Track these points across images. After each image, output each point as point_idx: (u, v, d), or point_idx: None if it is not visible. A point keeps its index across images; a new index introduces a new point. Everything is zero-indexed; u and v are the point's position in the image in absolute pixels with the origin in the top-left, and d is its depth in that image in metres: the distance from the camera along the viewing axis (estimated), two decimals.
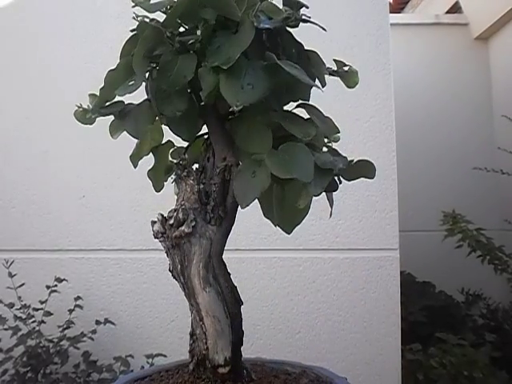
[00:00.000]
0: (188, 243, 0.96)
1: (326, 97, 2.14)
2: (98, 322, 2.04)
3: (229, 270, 1.01)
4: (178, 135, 0.99)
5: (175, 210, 0.96)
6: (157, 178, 1.05)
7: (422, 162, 3.72)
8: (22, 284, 2.00)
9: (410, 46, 3.78)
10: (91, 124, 1.04)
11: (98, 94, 0.99)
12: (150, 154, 1.03)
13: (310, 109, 0.98)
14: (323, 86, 0.96)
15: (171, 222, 0.95)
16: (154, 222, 0.98)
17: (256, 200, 0.91)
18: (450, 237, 3.04)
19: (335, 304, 2.16)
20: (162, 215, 0.97)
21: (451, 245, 3.02)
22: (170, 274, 1.00)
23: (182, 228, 0.95)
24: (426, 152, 3.74)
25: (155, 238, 0.98)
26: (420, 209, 3.64)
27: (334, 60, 1.05)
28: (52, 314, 2.02)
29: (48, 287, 2.03)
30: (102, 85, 0.97)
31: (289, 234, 0.94)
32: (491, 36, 3.75)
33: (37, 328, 2.00)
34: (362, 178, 0.98)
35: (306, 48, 1.00)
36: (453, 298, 3.43)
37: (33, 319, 2.01)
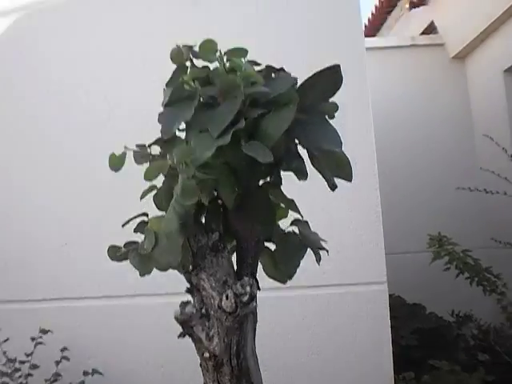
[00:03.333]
0: (246, 320, 0.91)
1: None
2: (85, 373, 2.00)
3: None
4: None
5: (242, 285, 0.88)
6: None
7: (406, 186, 3.73)
8: (7, 339, 1.96)
9: (388, 69, 3.80)
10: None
11: None
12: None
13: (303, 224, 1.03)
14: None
15: (245, 298, 0.87)
16: (220, 299, 0.89)
17: None
18: (437, 259, 3.04)
19: (326, 340, 2.14)
20: (233, 292, 0.88)
21: (439, 266, 3.02)
22: (210, 360, 0.90)
23: (253, 304, 0.89)
24: (409, 176, 3.75)
25: (219, 317, 0.90)
26: (407, 231, 3.64)
27: None
28: (38, 367, 1.98)
29: (33, 339, 1.99)
30: None
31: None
32: (468, 55, 3.78)
33: (24, 382, 1.97)
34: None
35: None
36: (444, 319, 3.43)
37: (19, 373, 1.97)
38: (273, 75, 0.94)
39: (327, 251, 1.04)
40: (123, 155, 0.99)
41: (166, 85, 0.97)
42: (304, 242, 1.02)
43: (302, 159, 0.94)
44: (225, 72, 0.93)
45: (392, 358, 2.14)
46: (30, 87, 2.28)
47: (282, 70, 0.96)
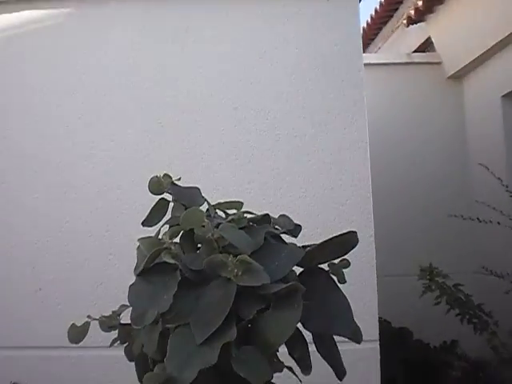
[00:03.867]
0: None
1: (302, 177, 2.06)
2: None
3: None
4: None
5: None
6: None
7: (400, 211, 3.65)
8: None
9: (382, 86, 3.68)
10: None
11: None
12: None
13: None
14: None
15: None
16: None
17: None
18: (427, 292, 2.96)
19: None
20: None
21: (430, 294, 2.94)
22: None
23: None
24: (403, 201, 3.66)
25: None
26: (399, 255, 3.56)
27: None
28: None
29: None
30: None
31: None
32: (465, 76, 3.66)
33: None
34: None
35: None
36: (430, 346, 3.37)
37: None
38: (270, 242, 0.81)
39: None
40: (85, 326, 0.86)
41: (139, 240, 0.84)
42: None
43: (307, 347, 0.80)
44: (215, 245, 0.78)
45: None
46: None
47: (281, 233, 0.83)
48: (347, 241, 0.81)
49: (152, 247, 0.78)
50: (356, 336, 0.78)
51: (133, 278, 0.95)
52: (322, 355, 0.79)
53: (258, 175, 2.03)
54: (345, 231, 0.82)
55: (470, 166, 3.63)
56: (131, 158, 2.09)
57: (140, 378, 0.90)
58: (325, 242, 0.79)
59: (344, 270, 0.89)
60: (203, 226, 0.77)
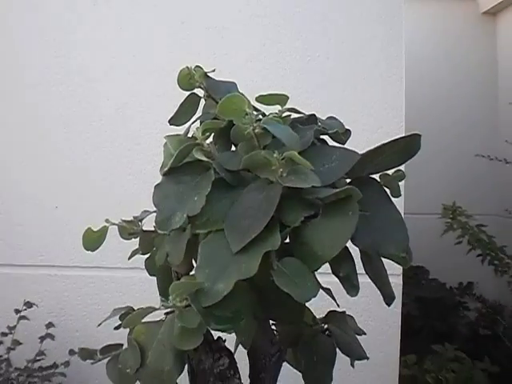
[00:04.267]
0: None
1: (332, 101, 1.96)
2: (71, 352, 1.86)
3: None
4: None
5: None
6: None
7: (426, 148, 3.53)
8: None
9: (414, 21, 3.51)
10: None
11: None
12: None
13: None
14: None
15: None
16: None
17: None
18: (449, 231, 2.89)
19: None
20: None
21: (452, 234, 2.87)
22: None
23: None
24: (429, 137, 3.54)
25: None
26: (422, 192, 3.47)
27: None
28: (21, 344, 1.84)
29: (17, 311, 1.84)
30: None
31: None
32: (500, 11, 3.48)
33: (5, 356, 1.83)
34: None
35: None
36: (446, 286, 3.33)
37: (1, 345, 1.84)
38: (318, 146, 0.71)
39: (367, 358, 0.84)
40: (103, 231, 0.78)
41: (166, 137, 0.75)
42: (339, 348, 0.81)
43: (354, 264, 0.71)
44: (255, 143, 0.67)
45: (399, 356, 2.01)
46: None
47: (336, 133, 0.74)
48: (408, 146, 0.70)
49: (181, 144, 0.69)
50: (405, 259, 0.68)
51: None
52: (369, 276, 0.71)
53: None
54: (407, 134, 0.72)
55: (500, 105, 3.50)
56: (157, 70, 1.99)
57: (162, 293, 0.83)
58: (383, 145, 0.69)
59: None
60: (244, 117, 0.67)
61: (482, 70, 3.56)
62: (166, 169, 0.71)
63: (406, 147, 0.70)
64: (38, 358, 1.84)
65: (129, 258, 0.85)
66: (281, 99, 0.75)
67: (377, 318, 2.00)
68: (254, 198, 0.64)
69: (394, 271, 1.96)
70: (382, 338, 2.00)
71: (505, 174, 3.33)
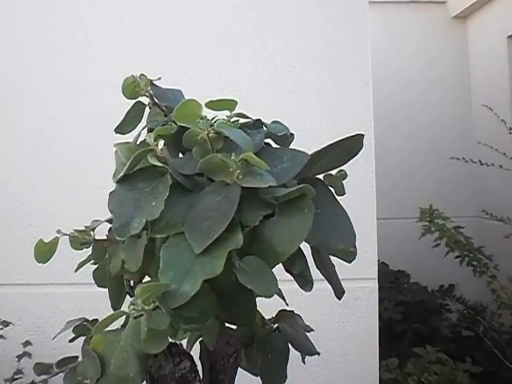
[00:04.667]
0: None
1: (299, 110, 1.98)
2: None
3: None
4: None
5: None
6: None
7: (400, 151, 3.57)
8: None
9: (386, 25, 3.55)
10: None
11: None
12: None
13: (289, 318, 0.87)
14: None
15: None
16: None
17: None
18: (427, 234, 2.91)
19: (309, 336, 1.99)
20: None
21: (429, 236, 2.89)
22: None
23: None
24: (402, 140, 3.58)
25: None
26: (398, 197, 3.50)
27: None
28: None
29: None
30: None
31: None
32: (470, 16, 3.53)
33: None
34: None
35: None
36: (427, 289, 3.35)
37: None
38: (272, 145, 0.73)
39: (318, 354, 0.85)
40: (54, 243, 0.78)
41: (117, 145, 0.75)
42: (292, 344, 0.82)
43: (306, 261, 0.73)
44: (209, 147, 0.69)
45: (378, 359, 2.01)
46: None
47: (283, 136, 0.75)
48: (352, 146, 0.72)
49: (131, 151, 0.69)
50: (354, 253, 0.70)
51: None
52: (321, 271, 0.72)
53: (257, 107, 1.95)
54: (350, 135, 0.73)
55: (473, 107, 3.54)
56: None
57: (114, 303, 0.84)
58: (328, 146, 0.71)
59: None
60: (199, 122, 0.68)
61: (453, 73, 3.61)
62: (119, 176, 0.71)
63: (349, 147, 0.73)
64: (15, 376, 1.83)
65: (76, 270, 0.85)
66: (230, 104, 0.76)
67: (354, 324, 2.01)
68: (212, 200, 0.65)
69: (369, 275, 1.99)
70: (360, 342, 2.01)
71: (480, 175, 3.37)
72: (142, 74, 0.79)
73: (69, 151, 2.00)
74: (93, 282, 1.95)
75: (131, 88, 0.78)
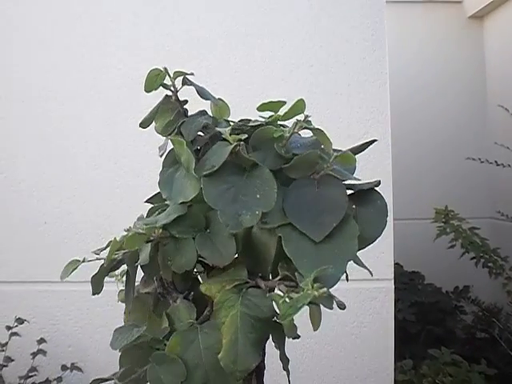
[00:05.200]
0: None
1: (316, 109, 1.97)
2: (64, 368, 1.86)
3: None
4: None
5: None
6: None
7: (415, 151, 3.54)
8: None
9: (402, 25, 3.52)
10: None
11: None
12: None
13: None
14: None
15: None
16: None
17: None
18: (442, 235, 2.88)
19: (324, 339, 1.99)
20: None
21: (445, 237, 2.87)
22: None
23: None
24: (418, 141, 3.56)
25: None
26: (413, 198, 3.48)
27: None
28: (13, 360, 1.84)
29: (9, 328, 1.84)
30: None
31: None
32: (486, 15, 3.50)
33: None
34: None
35: None
36: (442, 291, 3.32)
37: None
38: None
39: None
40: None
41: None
42: None
43: None
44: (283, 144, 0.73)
45: (393, 361, 2.00)
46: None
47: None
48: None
49: (189, 148, 0.73)
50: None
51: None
52: None
53: None
54: (367, 141, 0.79)
55: (489, 107, 3.51)
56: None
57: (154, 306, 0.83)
58: (350, 149, 0.75)
59: None
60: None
61: (469, 73, 3.58)
62: (210, 170, 0.71)
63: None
64: (30, 374, 1.84)
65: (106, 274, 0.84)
66: (279, 105, 0.79)
67: (370, 324, 2.00)
68: (313, 192, 0.70)
69: (385, 276, 1.98)
70: (375, 343, 2.00)
71: (496, 176, 3.34)
72: (176, 71, 0.79)
73: (84, 149, 2.00)
74: (108, 280, 1.95)
75: (154, 80, 0.78)
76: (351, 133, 1.96)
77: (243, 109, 1.99)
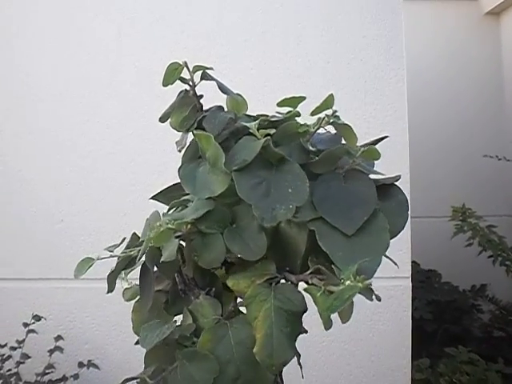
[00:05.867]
0: None
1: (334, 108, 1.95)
2: (80, 365, 1.86)
3: None
4: None
5: None
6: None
7: (432, 149, 3.52)
8: None
9: (418, 22, 3.50)
10: None
11: None
12: None
13: None
14: None
15: None
16: None
17: None
18: (459, 233, 2.86)
19: (340, 337, 1.98)
20: None
21: (462, 236, 2.85)
22: None
23: None
24: (436, 138, 3.53)
25: None
26: (431, 195, 3.45)
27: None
28: (30, 357, 1.84)
29: (26, 325, 1.85)
30: None
31: None
32: (503, 11, 3.46)
33: (14, 370, 1.83)
34: None
35: None
36: (459, 289, 3.30)
37: (10, 359, 1.84)
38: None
39: None
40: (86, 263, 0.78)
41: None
42: None
43: None
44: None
45: (411, 359, 1.99)
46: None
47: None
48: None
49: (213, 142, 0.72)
50: None
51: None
52: None
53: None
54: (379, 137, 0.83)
55: (506, 105, 3.48)
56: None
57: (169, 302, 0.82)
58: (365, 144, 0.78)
59: None
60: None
61: (486, 70, 3.54)
62: (242, 165, 0.71)
63: None
64: (47, 371, 1.84)
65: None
66: (298, 101, 0.81)
67: (387, 323, 1.99)
68: (340, 186, 0.72)
69: (403, 274, 1.96)
70: (393, 341, 1.98)
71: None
72: (196, 65, 0.79)
73: (101, 147, 2.01)
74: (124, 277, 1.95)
75: (173, 74, 0.78)
76: (368, 130, 1.94)
77: (259, 106, 1.99)
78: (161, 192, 0.86)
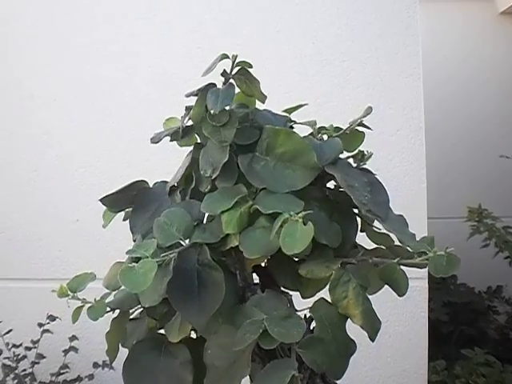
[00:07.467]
0: None
1: (348, 105, 1.94)
2: (95, 365, 1.86)
3: None
4: None
5: None
6: None
7: (448, 149, 3.49)
8: (10, 330, 1.81)
9: (433, 21, 3.47)
10: None
11: None
12: None
13: None
14: None
15: None
16: None
17: None
18: (475, 234, 2.84)
19: (356, 338, 1.95)
20: None
21: (479, 237, 2.83)
22: None
23: None
24: (453, 138, 3.51)
25: None
26: (448, 197, 3.43)
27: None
28: (45, 357, 1.84)
29: (41, 325, 1.85)
30: None
31: None
32: None
33: (29, 370, 1.83)
34: None
35: None
36: (475, 291, 3.27)
37: (25, 359, 1.84)
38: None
39: None
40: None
41: None
42: None
43: None
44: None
45: (427, 361, 1.97)
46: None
47: None
48: None
49: None
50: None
51: None
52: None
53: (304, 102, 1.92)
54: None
55: None
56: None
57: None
58: None
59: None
60: None
61: (501, 70, 3.51)
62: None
63: None
64: (62, 371, 1.84)
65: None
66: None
67: (403, 324, 1.97)
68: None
69: (418, 275, 1.94)
70: (409, 343, 1.97)
71: None
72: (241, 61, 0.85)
73: (115, 147, 2.01)
74: None
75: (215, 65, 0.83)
76: (384, 130, 1.93)
77: (274, 105, 1.98)
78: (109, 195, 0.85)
